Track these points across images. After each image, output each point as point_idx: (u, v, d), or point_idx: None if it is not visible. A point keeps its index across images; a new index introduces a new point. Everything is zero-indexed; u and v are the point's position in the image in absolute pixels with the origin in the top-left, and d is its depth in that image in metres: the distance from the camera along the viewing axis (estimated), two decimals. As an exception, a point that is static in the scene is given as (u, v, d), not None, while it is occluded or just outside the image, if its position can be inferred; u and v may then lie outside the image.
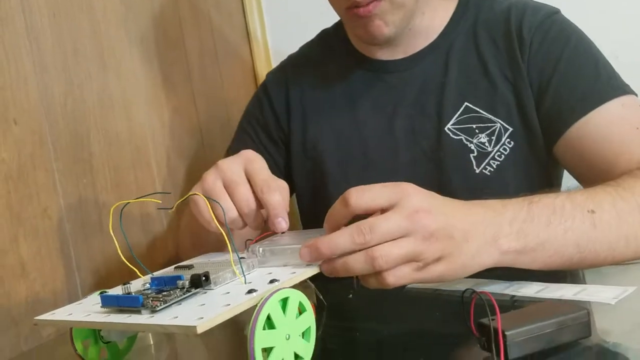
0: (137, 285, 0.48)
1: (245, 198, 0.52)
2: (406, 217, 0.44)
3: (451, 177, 0.70)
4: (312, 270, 0.44)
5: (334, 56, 0.81)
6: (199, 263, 0.50)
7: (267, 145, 0.81)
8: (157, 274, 0.50)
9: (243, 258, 0.50)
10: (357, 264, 0.44)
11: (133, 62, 0.85)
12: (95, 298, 0.47)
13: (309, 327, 0.41)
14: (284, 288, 0.40)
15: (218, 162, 0.55)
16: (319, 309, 0.43)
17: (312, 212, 0.77)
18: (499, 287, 0.53)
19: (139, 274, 0.50)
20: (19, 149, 0.66)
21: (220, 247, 0.56)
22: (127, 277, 0.49)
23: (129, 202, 0.48)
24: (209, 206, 0.51)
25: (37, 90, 0.70)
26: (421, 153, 0.72)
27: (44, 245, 0.68)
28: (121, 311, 0.41)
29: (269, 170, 0.54)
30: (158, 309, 0.39)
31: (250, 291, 0.40)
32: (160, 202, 0.47)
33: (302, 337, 0.41)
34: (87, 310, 0.44)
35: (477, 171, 0.70)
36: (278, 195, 0.52)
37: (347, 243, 0.43)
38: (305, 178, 0.78)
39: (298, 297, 0.41)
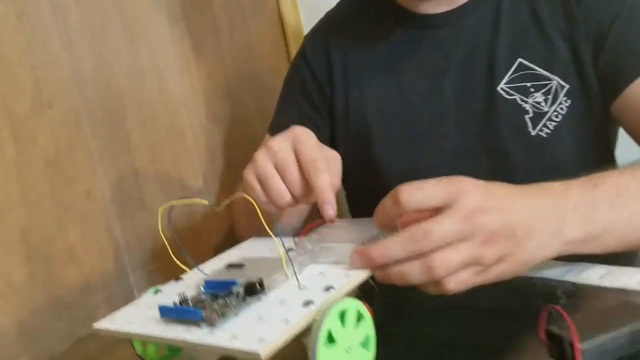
0: (190, 283, 0.48)
1: (295, 180, 0.51)
2: (463, 219, 0.41)
3: (505, 141, 0.67)
4: (367, 273, 0.43)
5: (373, 13, 0.76)
6: (250, 260, 0.49)
7: (312, 116, 0.77)
8: (207, 269, 0.50)
9: (291, 250, 0.49)
10: (413, 273, 0.41)
11: (160, 29, 0.82)
12: (150, 299, 0.47)
13: (369, 335, 0.40)
14: (341, 299, 0.39)
15: (268, 141, 0.53)
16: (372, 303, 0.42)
17: (357, 181, 0.74)
18: (558, 271, 0.51)
19: (186, 269, 0.50)
20: (56, 132, 0.65)
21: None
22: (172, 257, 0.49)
23: (174, 204, 0.47)
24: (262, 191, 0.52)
25: (69, 68, 0.68)
26: (471, 115, 0.68)
27: (90, 228, 0.68)
28: (180, 321, 0.41)
29: (318, 146, 0.52)
30: (217, 323, 0.38)
31: (307, 303, 0.39)
32: (207, 203, 0.46)
33: (362, 347, 0.40)
34: (145, 316, 0.43)
35: (533, 133, 0.66)
36: (325, 178, 0.50)
37: (400, 251, 0.41)
38: (349, 147, 0.75)
39: (356, 307, 0.39)
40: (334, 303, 0.38)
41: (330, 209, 0.50)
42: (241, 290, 0.42)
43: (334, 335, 0.37)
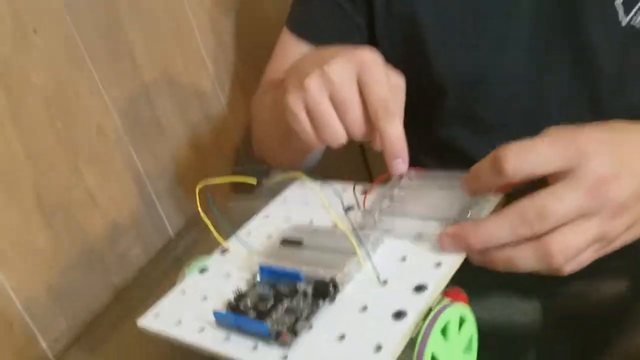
0: (240, 261, 0.40)
1: (358, 121, 0.41)
2: (589, 191, 0.32)
3: (589, 32, 0.54)
4: (461, 257, 0.35)
5: None
6: (307, 234, 0.40)
7: (344, 5, 0.63)
8: (254, 239, 0.42)
9: (351, 209, 0.41)
10: (526, 261, 0.33)
11: None
12: (197, 282, 0.41)
13: (472, 337, 0.34)
14: (440, 306, 0.32)
15: (324, 66, 0.41)
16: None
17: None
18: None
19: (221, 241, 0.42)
20: (49, 64, 0.54)
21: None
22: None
23: (212, 182, 0.38)
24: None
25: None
26: (548, 5, 0.55)
27: (107, 167, 0.60)
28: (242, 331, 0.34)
29: (387, 78, 0.42)
30: (289, 344, 0.32)
31: (398, 315, 0.31)
32: (255, 181, 0.37)
33: (465, 352, 0.34)
34: (196, 314, 0.37)
35: (624, 23, 0.54)
36: (398, 126, 0.40)
37: (507, 235, 0.33)
38: (392, 42, 0.62)
39: (459, 314, 0.32)
40: (432, 315, 0.31)
41: (400, 165, 0.40)
42: (309, 290, 0.34)
43: (437, 356, 0.31)
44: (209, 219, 0.40)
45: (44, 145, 0.53)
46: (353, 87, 0.41)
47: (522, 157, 0.33)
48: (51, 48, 0.54)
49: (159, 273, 0.62)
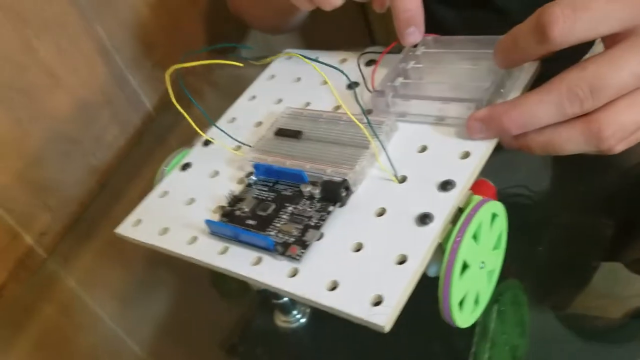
0: (225, 153, 0.35)
1: None
2: None
3: None
4: (491, 144, 0.30)
5: None
6: (306, 120, 0.34)
7: None
8: (242, 126, 0.36)
9: (356, 85, 0.35)
10: (572, 144, 0.28)
11: None
12: (181, 179, 0.35)
13: (501, 232, 0.30)
14: (469, 203, 0.27)
15: None
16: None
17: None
18: None
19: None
20: None
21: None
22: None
23: (186, 65, 0.30)
24: None
25: None
26: None
27: (63, 37, 0.51)
28: (240, 241, 0.30)
29: None
30: (299, 258, 0.28)
31: (423, 219, 0.27)
32: (242, 64, 0.30)
33: (494, 250, 0.30)
34: (185, 221, 0.32)
35: None
36: None
37: (552, 115, 0.27)
38: None
39: (491, 211, 0.28)
40: (464, 219, 0.26)
41: (415, 34, 0.33)
42: (316, 192, 0.29)
43: (468, 261, 0.27)
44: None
45: (-18, 19, 0.44)
46: None
47: (573, 20, 0.26)
48: None
49: (142, 153, 0.57)
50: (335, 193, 0.28)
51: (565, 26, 0.25)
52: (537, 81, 0.30)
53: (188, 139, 0.39)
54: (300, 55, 0.32)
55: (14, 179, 0.48)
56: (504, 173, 0.36)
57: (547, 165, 0.37)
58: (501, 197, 0.30)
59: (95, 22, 0.54)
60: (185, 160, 0.36)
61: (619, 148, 0.28)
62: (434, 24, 0.51)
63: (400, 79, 0.32)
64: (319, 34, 0.58)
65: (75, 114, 0.53)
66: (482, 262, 0.28)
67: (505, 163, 0.36)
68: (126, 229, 0.33)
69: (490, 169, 0.30)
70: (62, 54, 0.51)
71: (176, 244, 0.31)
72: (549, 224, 0.35)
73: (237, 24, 0.66)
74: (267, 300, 0.34)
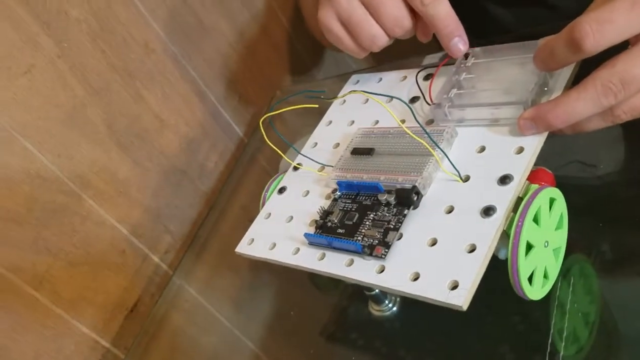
0: (313, 176, 0.41)
1: (395, 16, 0.39)
2: None
3: None
4: (542, 138, 0.33)
5: None
6: (376, 138, 0.39)
7: None
8: (324, 152, 0.42)
9: (416, 100, 0.39)
10: (593, 126, 0.32)
11: None
12: (279, 202, 0.42)
13: (562, 213, 0.34)
14: (527, 192, 0.31)
15: None
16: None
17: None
18: None
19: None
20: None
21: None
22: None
23: (273, 114, 0.37)
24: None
25: None
26: None
27: (165, 83, 0.60)
28: (334, 248, 0.36)
29: None
30: (384, 256, 0.33)
31: (487, 211, 0.31)
32: (318, 105, 0.36)
33: (556, 229, 0.34)
34: (287, 235, 0.39)
35: None
36: (444, 4, 0.37)
37: (590, 109, 0.31)
38: None
39: (548, 196, 0.32)
40: (523, 206, 0.30)
41: (460, 44, 0.38)
42: (392, 199, 0.35)
43: (532, 242, 0.31)
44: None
45: (98, 76, 0.53)
46: None
47: (601, 33, 0.29)
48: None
49: (239, 174, 0.64)
50: (407, 198, 0.34)
51: (595, 38, 0.29)
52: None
53: (275, 157, 0.45)
54: (364, 92, 0.37)
55: (141, 210, 0.57)
56: (566, 154, 0.39)
57: (607, 144, 0.40)
58: (563, 179, 0.34)
59: (188, 66, 0.62)
60: (280, 185, 0.43)
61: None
62: (488, 21, 0.55)
63: (455, 90, 0.36)
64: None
65: (181, 148, 0.61)
66: (546, 242, 0.32)
67: (566, 145, 0.40)
68: (243, 247, 0.41)
69: (551, 152, 0.33)
70: (166, 98, 0.59)
71: (284, 255, 0.37)
72: (612, 200, 0.38)
73: (309, 55, 0.73)
74: (360, 292, 0.39)
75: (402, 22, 0.39)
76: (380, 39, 0.40)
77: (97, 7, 0.53)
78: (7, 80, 0.46)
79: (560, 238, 0.34)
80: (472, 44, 0.38)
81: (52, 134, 0.49)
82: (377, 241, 0.33)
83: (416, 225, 0.33)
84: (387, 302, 0.39)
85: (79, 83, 0.52)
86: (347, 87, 0.46)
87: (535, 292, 0.32)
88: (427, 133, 0.34)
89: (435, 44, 0.41)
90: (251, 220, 0.42)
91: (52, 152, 0.49)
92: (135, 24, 0.57)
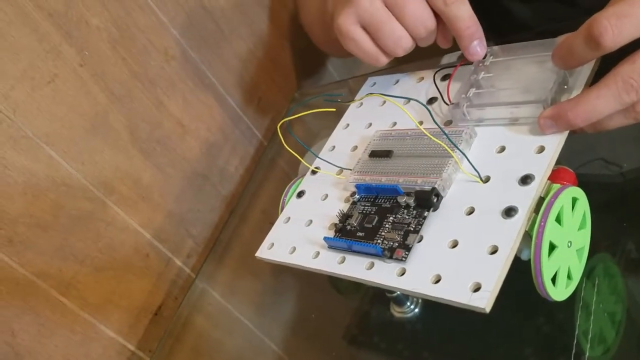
0: (331, 179, 0.41)
1: (419, 16, 0.38)
2: None
3: None
4: (562, 138, 0.33)
5: None
6: (394, 140, 0.39)
7: None
8: (341, 155, 0.42)
9: (434, 101, 0.39)
10: (615, 124, 0.32)
11: None
12: (298, 206, 0.42)
13: (585, 212, 0.33)
14: (550, 192, 0.31)
15: None
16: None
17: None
18: None
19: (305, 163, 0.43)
20: (103, 2, 0.53)
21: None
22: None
23: (291, 118, 0.37)
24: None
25: None
26: None
27: (186, 89, 0.61)
28: (354, 251, 0.36)
29: None
30: (405, 259, 0.33)
31: (509, 212, 0.31)
32: (335, 108, 0.36)
33: (580, 229, 0.33)
34: (307, 238, 0.39)
35: None
36: (466, 6, 0.37)
37: (612, 106, 0.30)
38: None
39: (570, 197, 0.31)
40: (545, 206, 0.30)
41: (478, 48, 0.37)
42: (411, 202, 0.34)
43: (555, 242, 0.31)
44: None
45: (121, 85, 0.54)
46: None
47: (620, 28, 0.29)
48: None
49: (259, 177, 0.65)
50: (427, 200, 0.33)
51: (614, 34, 0.29)
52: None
53: (294, 160, 0.45)
54: (382, 94, 0.37)
55: (163, 215, 0.58)
56: (587, 152, 0.39)
57: (629, 141, 0.39)
58: (585, 177, 0.33)
59: (208, 72, 0.62)
60: (299, 189, 0.43)
61: None
62: (507, 18, 0.54)
63: (473, 90, 0.36)
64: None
65: (202, 153, 0.62)
66: (569, 242, 0.32)
67: (588, 143, 0.39)
68: (263, 252, 0.41)
69: (572, 151, 0.33)
70: (186, 104, 0.60)
71: (304, 259, 0.38)
72: (636, 198, 0.37)
73: (326, 58, 0.73)
74: (382, 294, 0.39)
75: (426, 22, 0.38)
76: (405, 41, 0.39)
77: (116, 15, 0.54)
78: (31, 90, 0.47)
79: (584, 238, 0.33)
80: (491, 42, 0.38)
81: (76, 141, 0.50)
82: (397, 244, 0.33)
83: (436, 227, 0.33)
84: (408, 303, 0.39)
85: (101, 91, 0.52)
86: (364, 90, 0.46)
87: (559, 292, 0.32)
88: (445, 134, 0.34)
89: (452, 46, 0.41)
90: (272, 224, 0.42)
91: (76, 160, 0.50)
92: (154, 31, 0.58)
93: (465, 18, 0.37)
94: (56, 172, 0.49)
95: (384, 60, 0.41)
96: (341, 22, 0.40)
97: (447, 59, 0.47)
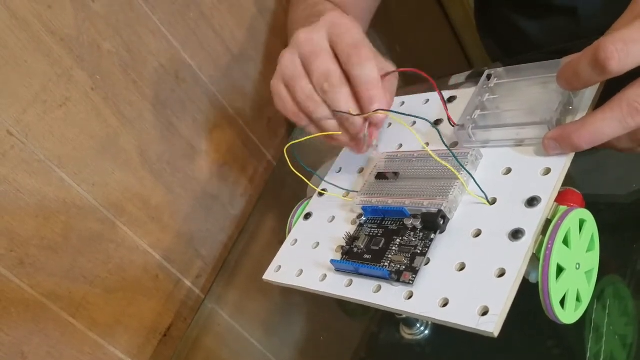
0: (338, 201, 0.41)
1: (324, 69, 0.38)
2: None
3: None
4: (568, 159, 0.33)
5: None
6: (402, 163, 0.39)
7: None
8: (347, 177, 0.42)
9: (440, 122, 0.39)
10: (622, 147, 0.33)
11: None
12: (305, 228, 0.42)
13: (593, 234, 0.33)
14: (556, 214, 0.31)
15: (295, 33, 0.40)
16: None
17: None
18: None
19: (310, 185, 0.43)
20: (113, 28, 0.54)
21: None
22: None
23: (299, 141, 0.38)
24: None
25: None
26: None
27: (195, 111, 0.61)
28: (361, 274, 0.36)
29: (361, 32, 0.39)
30: (412, 282, 0.33)
31: (516, 234, 0.31)
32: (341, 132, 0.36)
33: (588, 252, 0.33)
34: (314, 261, 0.39)
35: None
36: (372, 65, 0.37)
37: (616, 130, 0.30)
38: None
39: (578, 218, 0.31)
40: (552, 228, 0.30)
41: (380, 116, 0.37)
42: (418, 224, 0.34)
43: (562, 265, 0.30)
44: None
45: (132, 107, 0.55)
46: (321, 42, 0.39)
47: (626, 53, 0.29)
48: (111, 11, 0.54)
49: (268, 197, 0.65)
50: (434, 223, 0.33)
51: (620, 59, 0.29)
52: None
53: (303, 180, 0.45)
54: (388, 111, 0.37)
55: (173, 235, 0.58)
56: (594, 173, 0.39)
57: (637, 162, 0.39)
58: (592, 198, 0.33)
59: (218, 94, 0.63)
60: (306, 211, 0.43)
61: None
62: (518, 35, 0.54)
63: (478, 112, 0.36)
64: (413, 59, 0.63)
65: (212, 173, 0.62)
66: (578, 264, 0.32)
67: (595, 163, 0.39)
68: (271, 275, 0.41)
69: (580, 172, 0.33)
70: (196, 126, 0.61)
71: (311, 282, 0.37)
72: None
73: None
74: (391, 315, 0.39)
75: (331, 77, 0.38)
76: (313, 98, 0.39)
77: (128, 39, 0.55)
78: (43, 114, 0.48)
79: (592, 260, 0.33)
80: (500, 61, 0.38)
81: (87, 163, 0.51)
82: (404, 267, 0.33)
83: (443, 249, 0.33)
84: (418, 325, 0.39)
85: (113, 114, 0.53)
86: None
87: (568, 315, 0.31)
88: (453, 155, 0.34)
89: (459, 66, 0.41)
90: (281, 243, 0.43)
91: (87, 182, 0.51)
92: (165, 54, 0.58)
93: (367, 80, 0.37)
94: (67, 194, 0.50)
95: (304, 123, 0.41)
96: (272, 81, 0.41)
97: (454, 80, 0.47)
